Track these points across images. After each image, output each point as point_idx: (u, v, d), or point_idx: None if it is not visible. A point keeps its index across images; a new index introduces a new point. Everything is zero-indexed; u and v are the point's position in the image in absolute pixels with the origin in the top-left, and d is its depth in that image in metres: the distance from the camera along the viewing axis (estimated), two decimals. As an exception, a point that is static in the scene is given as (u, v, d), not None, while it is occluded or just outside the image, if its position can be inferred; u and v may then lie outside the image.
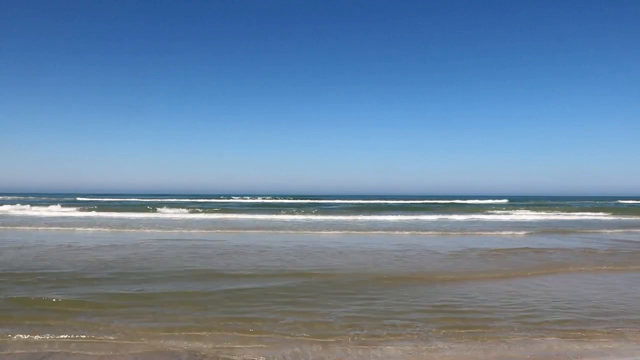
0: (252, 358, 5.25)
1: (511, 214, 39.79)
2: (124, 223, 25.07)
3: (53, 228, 21.76)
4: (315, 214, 36.77)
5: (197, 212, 37.45)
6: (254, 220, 28.53)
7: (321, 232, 21.18)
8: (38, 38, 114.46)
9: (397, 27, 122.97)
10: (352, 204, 63.95)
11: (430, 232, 21.36)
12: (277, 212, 37.16)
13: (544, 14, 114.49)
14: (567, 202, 67.85)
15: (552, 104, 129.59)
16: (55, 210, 37.03)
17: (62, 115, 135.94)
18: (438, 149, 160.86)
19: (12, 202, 53.11)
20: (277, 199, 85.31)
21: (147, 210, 38.15)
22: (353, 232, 21.52)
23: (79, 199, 79.81)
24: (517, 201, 77.80)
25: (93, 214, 34.03)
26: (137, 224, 24.62)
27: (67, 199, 77.24)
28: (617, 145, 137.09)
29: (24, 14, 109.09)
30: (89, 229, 21.59)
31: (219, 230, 21.76)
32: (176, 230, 21.51)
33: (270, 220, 28.78)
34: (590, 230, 22.94)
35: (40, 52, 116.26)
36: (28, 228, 21.77)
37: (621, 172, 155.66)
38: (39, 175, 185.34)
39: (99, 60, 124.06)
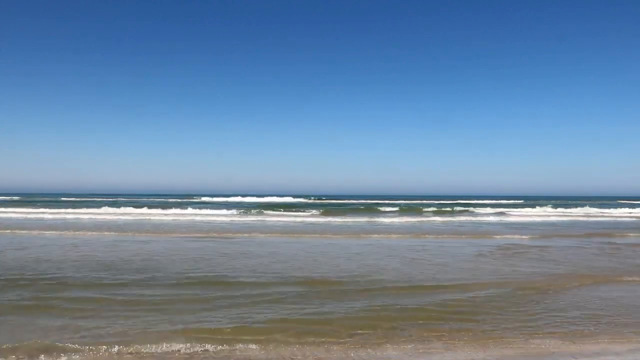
0: None
1: (537, 214, 38.45)
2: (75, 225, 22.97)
3: None
4: (332, 215, 35.04)
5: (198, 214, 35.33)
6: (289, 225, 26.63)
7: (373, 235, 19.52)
8: (38, 38, 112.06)
9: (397, 27, 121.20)
10: (359, 203, 61.94)
11: (485, 236, 19.95)
12: (301, 215, 34.88)
13: (544, 14, 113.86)
14: (575, 202, 66.96)
15: (552, 104, 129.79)
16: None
17: (62, 115, 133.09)
18: (438, 149, 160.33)
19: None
20: (271, 197, 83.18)
21: (107, 211, 35.85)
22: (391, 235, 19.93)
23: (63, 198, 76.73)
24: (532, 200, 77.10)
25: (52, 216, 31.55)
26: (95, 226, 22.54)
27: (49, 199, 74.09)
28: (617, 145, 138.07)
29: (24, 14, 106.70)
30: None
31: (261, 234, 19.77)
32: (175, 235, 19.62)
33: (314, 225, 26.91)
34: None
35: (40, 52, 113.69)
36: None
37: (621, 172, 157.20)
38: (38, 175, 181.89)
39: (99, 60, 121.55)
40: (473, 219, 31.86)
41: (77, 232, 18.83)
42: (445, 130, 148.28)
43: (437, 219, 30.77)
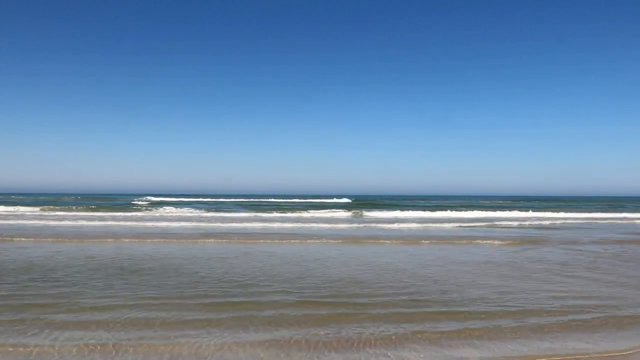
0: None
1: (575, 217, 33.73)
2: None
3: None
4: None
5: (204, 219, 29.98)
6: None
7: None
8: (38, 38, 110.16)
9: (397, 27, 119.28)
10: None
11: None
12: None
13: (544, 14, 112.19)
14: (585, 203, 62.87)
15: (552, 104, 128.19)
16: None
17: (62, 115, 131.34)
18: (438, 149, 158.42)
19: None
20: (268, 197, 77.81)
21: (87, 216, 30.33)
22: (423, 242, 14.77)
23: (41, 198, 70.59)
24: (546, 201, 73.41)
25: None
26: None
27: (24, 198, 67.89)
28: (617, 145, 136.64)
29: (24, 14, 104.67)
30: None
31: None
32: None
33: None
34: None
35: (40, 52, 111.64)
36: None
37: (621, 172, 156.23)
38: (38, 175, 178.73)
39: (99, 60, 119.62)
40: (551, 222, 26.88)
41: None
42: (445, 130, 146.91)
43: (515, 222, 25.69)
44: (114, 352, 4.46)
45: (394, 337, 4.98)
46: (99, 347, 4.58)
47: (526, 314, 5.94)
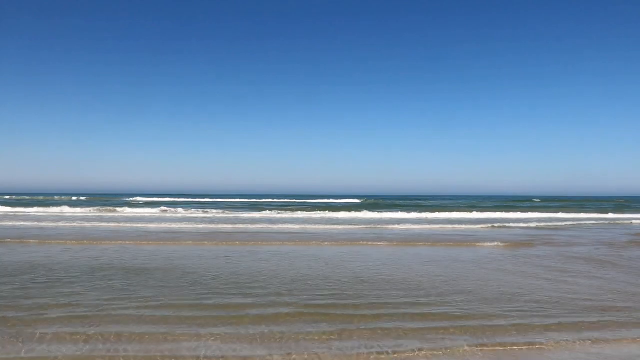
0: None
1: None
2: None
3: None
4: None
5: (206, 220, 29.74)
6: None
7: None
8: (38, 38, 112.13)
9: (397, 27, 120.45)
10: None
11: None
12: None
13: (544, 14, 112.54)
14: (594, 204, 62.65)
15: (551, 104, 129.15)
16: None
17: (62, 115, 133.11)
18: (438, 149, 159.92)
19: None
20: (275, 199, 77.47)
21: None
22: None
23: (39, 198, 70.39)
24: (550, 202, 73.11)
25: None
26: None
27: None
28: (617, 146, 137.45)
29: (24, 14, 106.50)
30: None
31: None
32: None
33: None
34: None
35: (40, 52, 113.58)
36: None
37: (621, 172, 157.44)
38: (38, 175, 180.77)
39: (99, 60, 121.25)
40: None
41: None
42: (445, 130, 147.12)
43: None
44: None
45: (402, 354, 4.81)
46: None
47: (547, 326, 5.76)
